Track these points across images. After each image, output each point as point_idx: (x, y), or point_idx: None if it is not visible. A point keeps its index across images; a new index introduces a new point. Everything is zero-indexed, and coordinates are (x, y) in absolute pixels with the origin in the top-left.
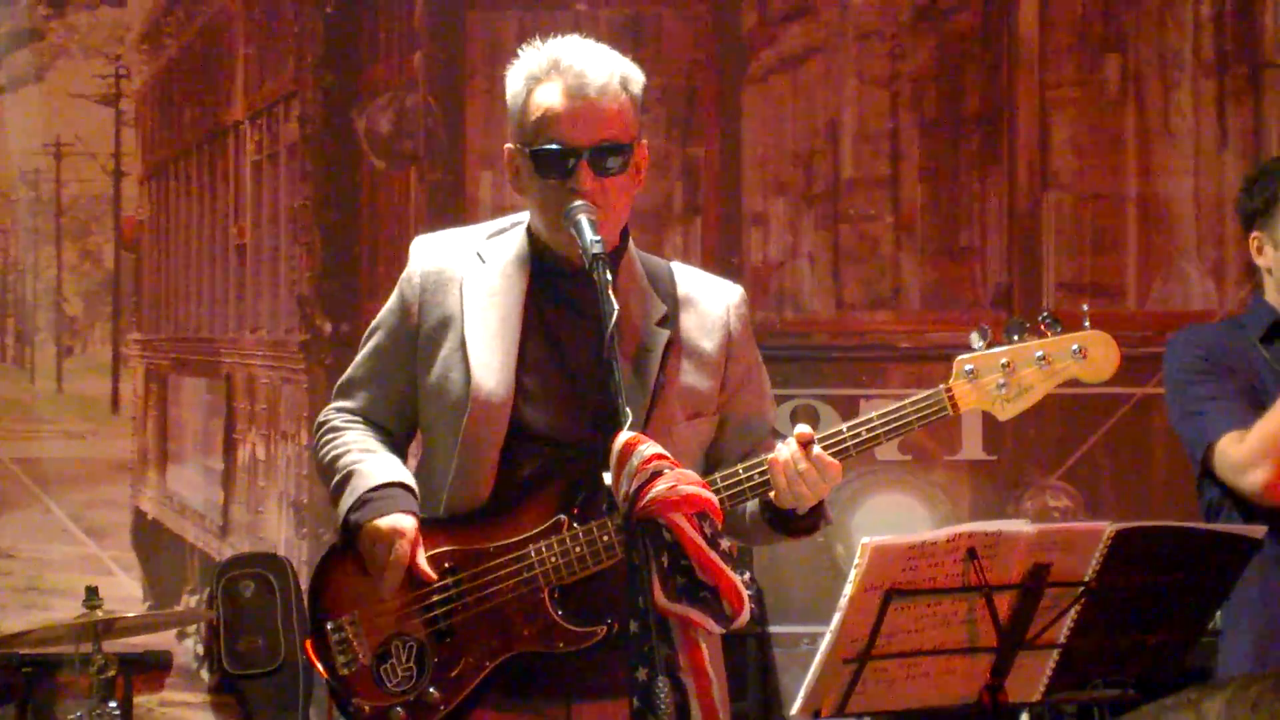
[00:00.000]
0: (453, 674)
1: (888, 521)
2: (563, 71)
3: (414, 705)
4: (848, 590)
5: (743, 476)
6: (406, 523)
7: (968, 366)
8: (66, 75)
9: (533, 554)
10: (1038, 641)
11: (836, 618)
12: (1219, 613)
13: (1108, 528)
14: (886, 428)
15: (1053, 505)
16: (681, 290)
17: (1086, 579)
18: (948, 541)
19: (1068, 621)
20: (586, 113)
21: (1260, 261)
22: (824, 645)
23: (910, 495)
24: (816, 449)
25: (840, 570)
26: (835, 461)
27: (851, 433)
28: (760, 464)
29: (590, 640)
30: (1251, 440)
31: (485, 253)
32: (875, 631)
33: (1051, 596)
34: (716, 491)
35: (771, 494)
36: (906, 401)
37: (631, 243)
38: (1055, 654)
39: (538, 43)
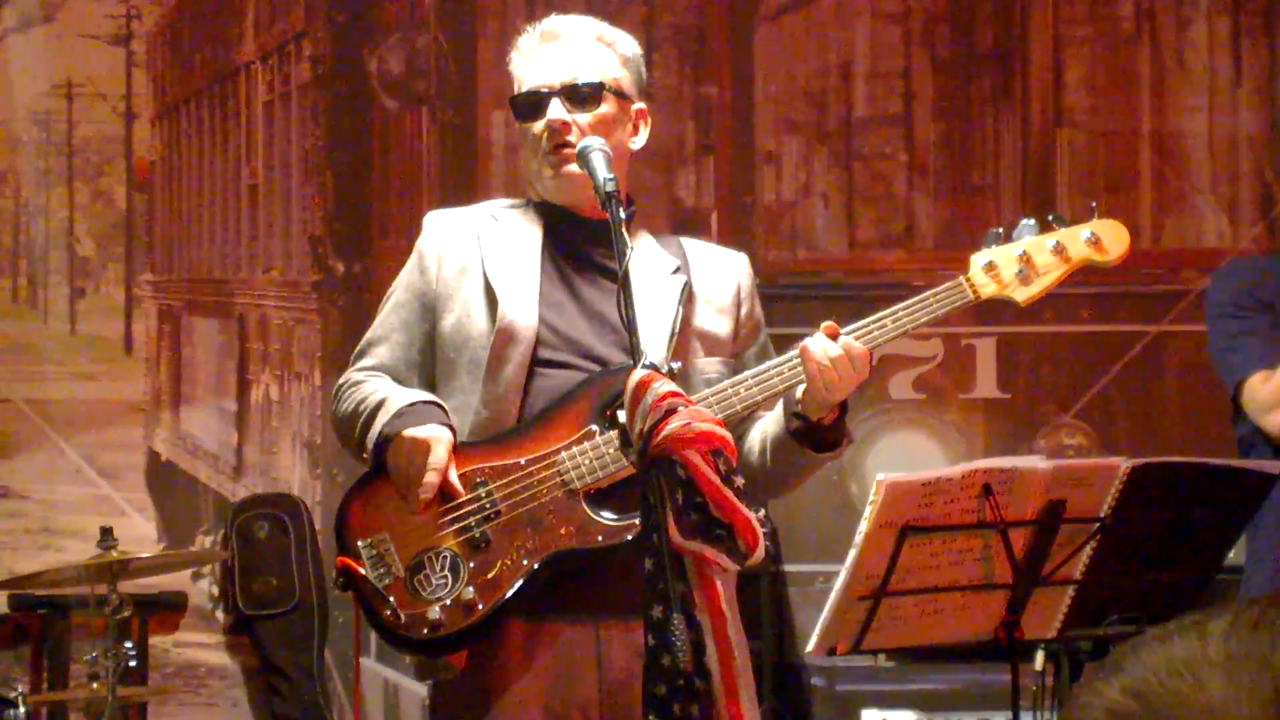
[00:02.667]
0: (490, 576)
1: (902, 460)
2: (544, 34)
3: (451, 607)
4: (863, 527)
5: (772, 372)
6: (443, 433)
7: (984, 260)
8: (76, 16)
9: (565, 459)
10: (1053, 578)
11: (851, 555)
12: (1244, 547)
13: (1123, 464)
14: (911, 316)
15: (1067, 442)
16: (691, 254)
17: (1102, 515)
18: (963, 478)
19: (1083, 558)
20: (556, 56)
21: None
22: (839, 583)
23: (924, 433)
24: (845, 339)
25: (855, 508)
26: (864, 348)
27: (877, 323)
28: (790, 357)
29: (628, 533)
30: (1277, 380)
31: (499, 215)
32: (890, 568)
33: (1067, 533)
34: (748, 387)
35: (800, 391)
36: (928, 293)
37: (636, 211)
38: (1071, 590)
39: (533, 26)
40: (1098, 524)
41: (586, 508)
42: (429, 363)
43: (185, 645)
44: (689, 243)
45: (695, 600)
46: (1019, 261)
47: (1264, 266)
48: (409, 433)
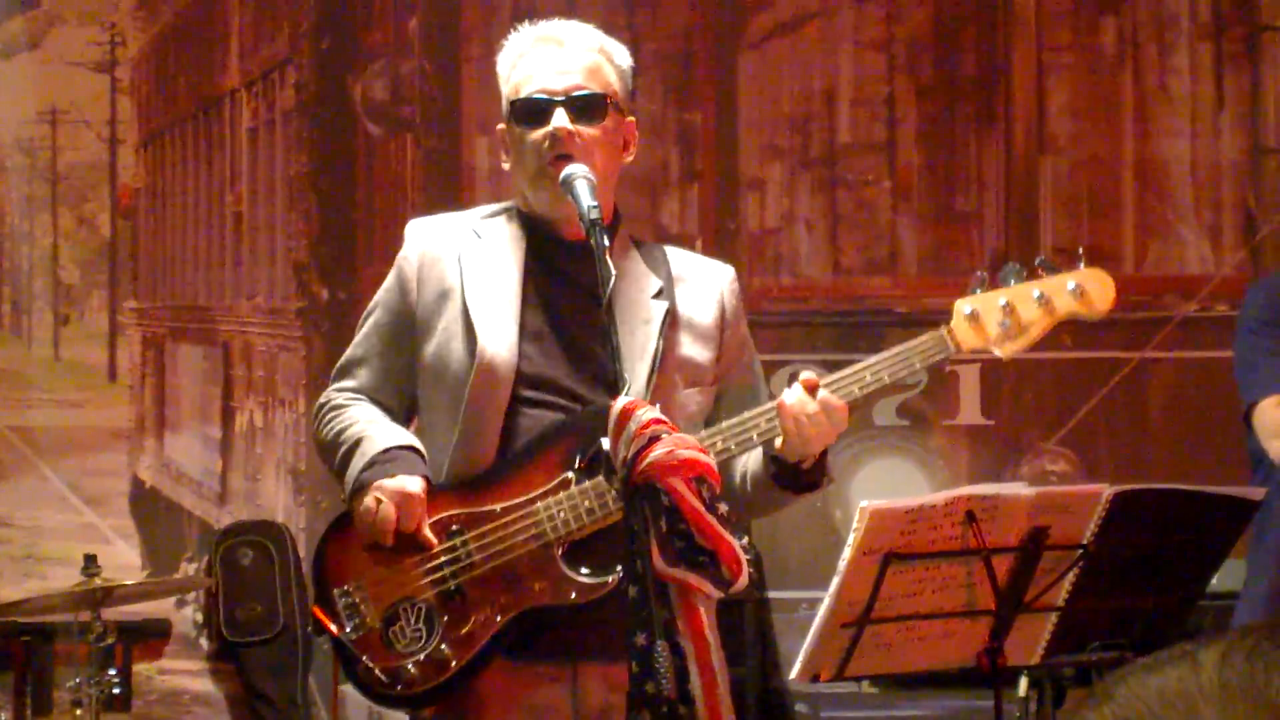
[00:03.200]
0: (463, 631)
1: (886, 486)
2: (544, 38)
3: (425, 663)
4: (846, 554)
5: (750, 424)
6: (414, 484)
7: (967, 309)
8: (61, 42)
9: (540, 510)
10: (1036, 604)
11: (835, 582)
12: (1226, 572)
13: (1106, 490)
14: (889, 370)
15: (1050, 469)
16: (675, 269)
17: (1085, 542)
18: (946, 505)
19: (1066, 585)
20: (563, 64)
21: None
22: (823, 610)
23: (908, 460)
24: (823, 393)
25: (839, 535)
26: (842, 403)
27: (855, 375)
28: (767, 411)
29: (602, 590)
30: None
31: (481, 230)
32: (874, 595)
33: (1050, 559)
34: (725, 437)
35: (778, 442)
36: (909, 344)
37: (623, 224)
38: (1054, 617)
39: (526, 26)
40: (1080, 551)
41: (562, 563)
42: (409, 386)
43: (169, 672)
44: (674, 254)
45: (679, 627)
46: (1003, 313)
47: None
48: (378, 485)
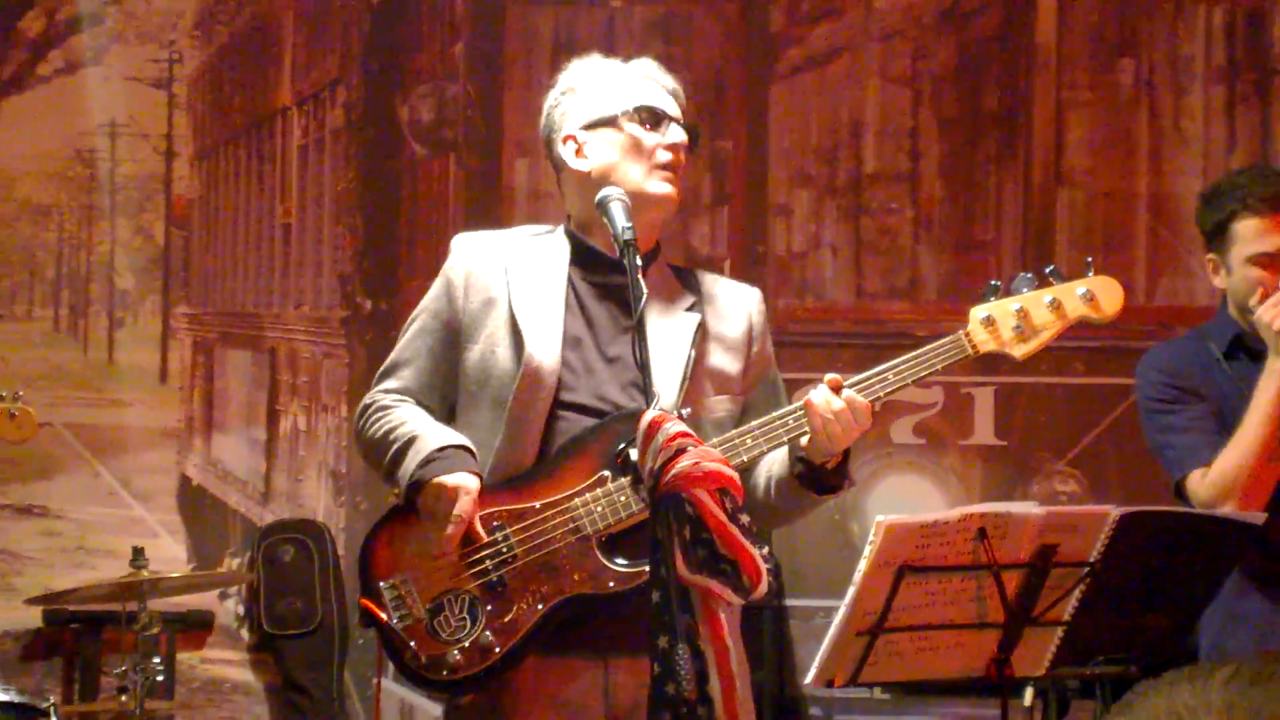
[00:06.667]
0: (506, 619)
1: (901, 502)
2: (636, 65)
3: (469, 649)
4: (862, 566)
5: (777, 424)
6: (471, 481)
7: (983, 314)
8: (122, 59)
9: (579, 505)
10: (1043, 619)
11: (851, 592)
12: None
13: (1113, 511)
14: (912, 370)
15: (1060, 489)
16: (707, 289)
17: (1091, 560)
18: (959, 521)
19: (1073, 600)
20: (663, 92)
21: (1216, 282)
22: (838, 618)
23: (923, 477)
24: (848, 392)
25: (855, 547)
26: (866, 401)
27: (878, 377)
28: (793, 411)
29: (639, 579)
30: (1213, 477)
31: (526, 246)
32: (888, 606)
33: (1057, 576)
34: (754, 437)
35: (804, 440)
36: (928, 347)
37: (661, 251)
38: (1060, 631)
39: (595, 55)
40: (1087, 568)
41: (599, 554)
42: (451, 390)
43: (211, 662)
44: (705, 277)
45: (700, 632)
46: (1017, 317)
47: (1185, 349)
48: (437, 482)
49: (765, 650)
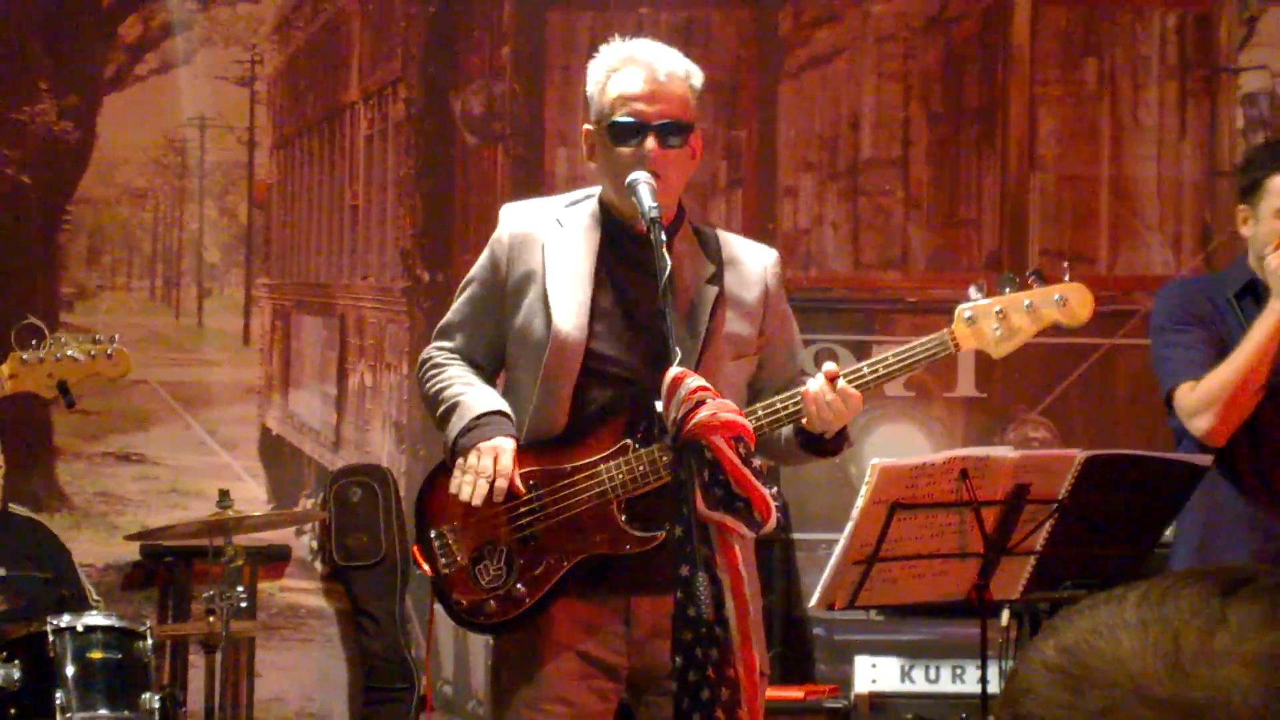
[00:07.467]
0: (536, 572)
1: (894, 447)
2: (638, 62)
3: (504, 599)
4: (859, 504)
5: (779, 406)
6: (508, 444)
7: (967, 314)
8: (209, 60)
9: (603, 472)
10: (1018, 549)
11: (849, 527)
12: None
13: (1079, 454)
14: (899, 364)
15: (1032, 436)
16: (726, 253)
17: (1060, 497)
18: (944, 464)
19: (1043, 533)
20: (657, 94)
21: (1244, 231)
22: (838, 549)
23: (913, 425)
24: (841, 383)
25: (854, 487)
26: (857, 392)
27: (870, 369)
28: (794, 395)
29: (652, 544)
30: (1200, 390)
31: (564, 218)
32: (881, 538)
33: (1030, 512)
34: (758, 418)
35: (804, 420)
36: (916, 342)
37: (686, 215)
38: (1032, 560)
39: (616, 40)
40: (1056, 505)
41: (620, 517)
42: (499, 348)
43: (288, 590)
44: (726, 239)
45: (717, 561)
46: (997, 319)
47: (1198, 286)
48: (482, 445)
49: (774, 578)
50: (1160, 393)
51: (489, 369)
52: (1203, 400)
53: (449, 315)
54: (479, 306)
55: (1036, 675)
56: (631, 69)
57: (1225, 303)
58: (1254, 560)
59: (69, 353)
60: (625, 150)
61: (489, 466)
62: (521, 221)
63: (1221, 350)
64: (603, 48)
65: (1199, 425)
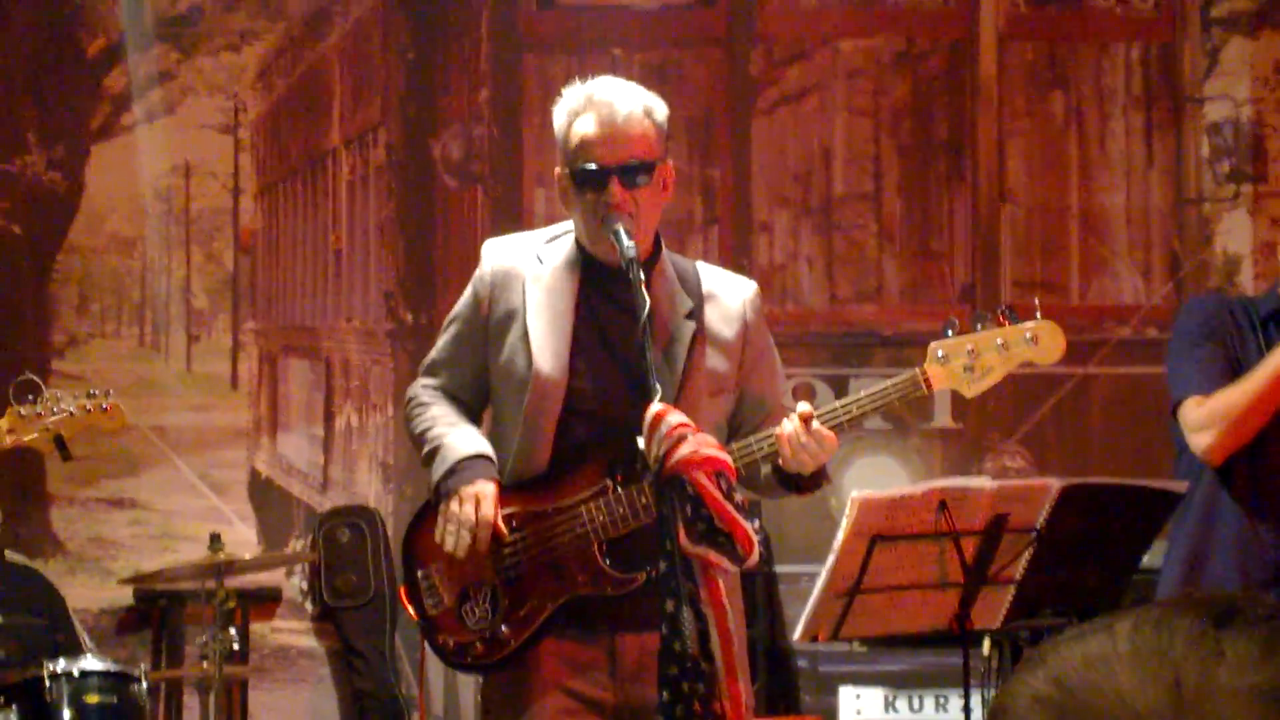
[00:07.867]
0: (521, 614)
1: (872, 479)
2: (595, 104)
3: (489, 640)
4: (839, 536)
5: (754, 446)
6: (489, 489)
7: (940, 352)
8: (193, 109)
9: (584, 514)
10: (998, 578)
11: (830, 559)
12: (1159, 552)
13: (1055, 484)
14: (872, 404)
15: (1009, 465)
16: (706, 287)
17: (1038, 526)
18: (923, 495)
19: (1022, 562)
20: (615, 137)
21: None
22: (820, 582)
23: (891, 457)
24: (815, 424)
25: (834, 519)
26: (831, 434)
27: (844, 409)
28: (769, 436)
29: (632, 585)
30: (1207, 407)
31: (544, 255)
32: (863, 570)
33: (1008, 541)
34: (735, 458)
35: (780, 460)
36: (888, 383)
37: (664, 248)
38: (1012, 589)
39: (577, 83)
40: (1034, 534)
41: (600, 558)
42: (483, 385)
43: (280, 631)
44: (706, 272)
45: (702, 596)
46: (969, 357)
47: (1227, 304)
48: (464, 491)
49: (758, 610)
50: (1169, 404)
51: (474, 405)
52: (1208, 417)
53: (434, 352)
54: (463, 343)
55: (1024, 706)
56: (589, 114)
57: (1250, 325)
58: (1245, 583)
59: (65, 407)
60: (591, 196)
61: (470, 515)
62: (502, 257)
63: (1236, 371)
64: (565, 90)
65: (1199, 442)
